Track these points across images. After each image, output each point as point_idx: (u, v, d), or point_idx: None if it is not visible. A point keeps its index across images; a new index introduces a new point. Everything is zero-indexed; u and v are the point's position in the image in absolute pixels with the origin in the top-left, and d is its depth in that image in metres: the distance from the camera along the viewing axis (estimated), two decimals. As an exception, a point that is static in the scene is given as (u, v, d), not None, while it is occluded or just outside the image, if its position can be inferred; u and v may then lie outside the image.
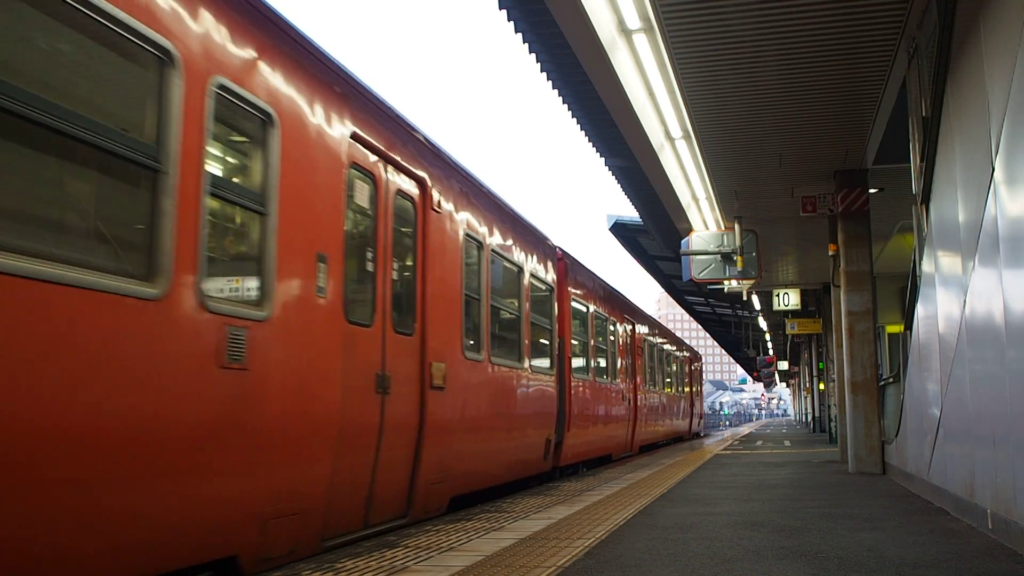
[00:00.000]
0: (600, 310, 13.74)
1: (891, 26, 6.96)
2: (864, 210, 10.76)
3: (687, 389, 26.12)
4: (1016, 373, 4.33)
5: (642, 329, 17.93)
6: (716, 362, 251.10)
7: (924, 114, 6.97)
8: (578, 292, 12.20)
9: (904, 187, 8.98)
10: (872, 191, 10.99)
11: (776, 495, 7.71)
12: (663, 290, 29.79)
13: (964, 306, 5.51)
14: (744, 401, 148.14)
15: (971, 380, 5.45)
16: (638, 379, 16.88)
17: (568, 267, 11.64)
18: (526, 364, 9.19)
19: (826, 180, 11.14)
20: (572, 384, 11.33)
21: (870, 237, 10.83)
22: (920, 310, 7.57)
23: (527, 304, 9.41)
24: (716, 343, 52.33)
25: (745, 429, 43.24)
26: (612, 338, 14.70)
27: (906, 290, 9.28)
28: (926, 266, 7.10)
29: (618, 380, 14.76)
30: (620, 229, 19.32)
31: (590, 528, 5.57)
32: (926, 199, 6.92)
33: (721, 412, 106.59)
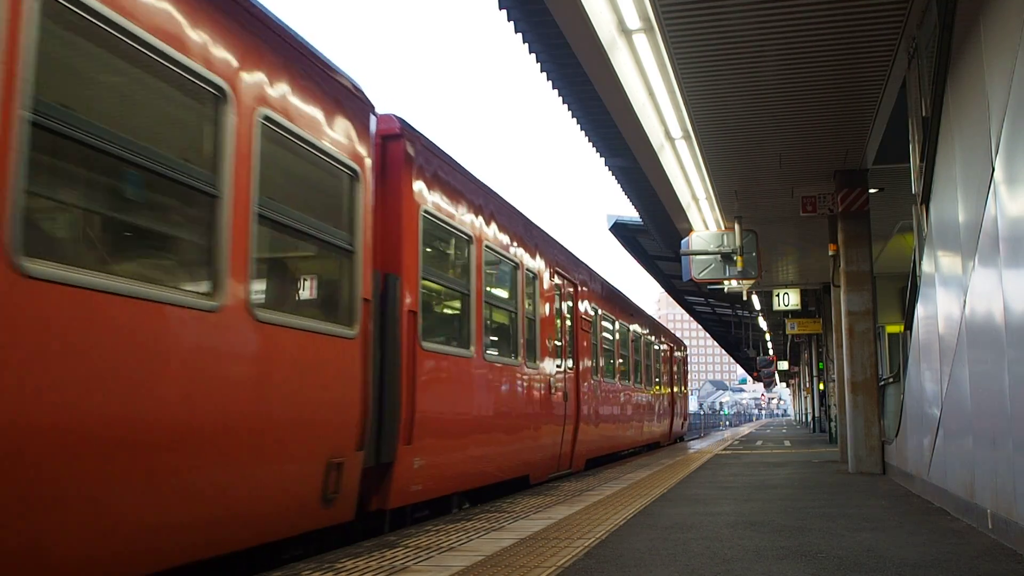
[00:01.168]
0: (502, 250, 8.61)
1: (891, 26, 6.96)
2: (864, 210, 10.76)
3: (666, 383, 21.10)
4: (1016, 373, 4.33)
5: (591, 297, 12.90)
6: (716, 362, 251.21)
7: (924, 114, 6.97)
8: (442, 203, 7.17)
9: (904, 187, 8.99)
10: (872, 191, 10.99)
11: (776, 495, 7.71)
12: (663, 290, 29.80)
13: (964, 306, 5.51)
14: (744, 401, 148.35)
15: (971, 380, 5.45)
16: (583, 365, 11.91)
17: (414, 155, 6.61)
18: (234, 301, 4.32)
19: (826, 180, 11.15)
20: (425, 363, 6.58)
21: (870, 237, 10.83)
22: (920, 310, 7.58)
23: (250, 179, 4.50)
24: (716, 343, 52.35)
25: (745, 429, 43.26)
26: (531, 299, 9.65)
27: (906, 290, 9.28)
28: (926, 266, 7.10)
29: (541, 364, 9.80)
30: (620, 229, 19.32)
31: (590, 528, 5.57)
32: (926, 199, 6.93)
33: (721, 412, 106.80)
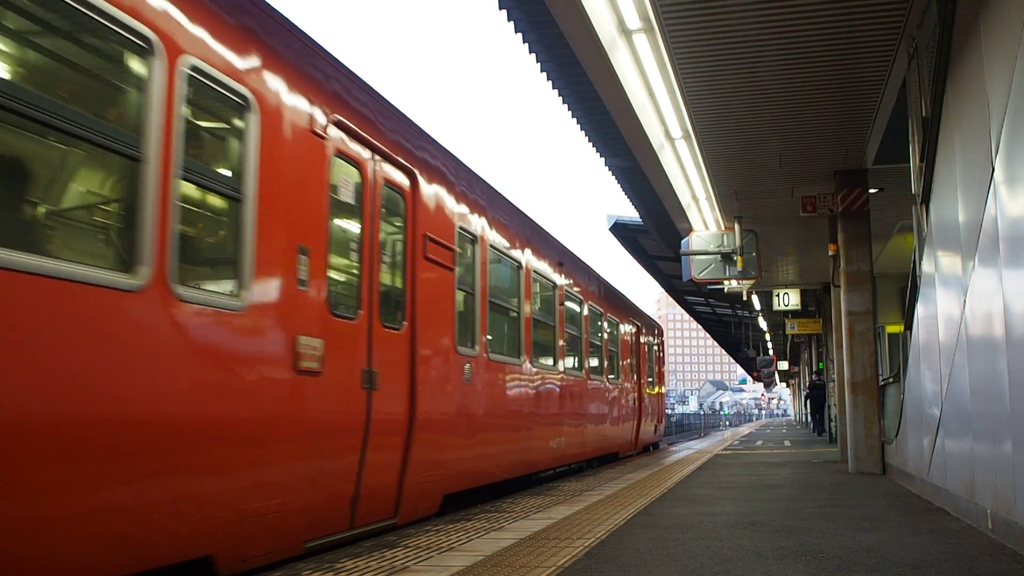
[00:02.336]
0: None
1: (891, 26, 6.96)
2: (864, 210, 10.76)
3: (629, 375, 15.81)
4: (1016, 373, 4.33)
5: (458, 208, 7.47)
6: (716, 362, 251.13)
7: (924, 114, 6.98)
8: None
9: (904, 187, 8.99)
10: (872, 191, 10.99)
11: (776, 495, 7.71)
12: (663, 290, 29.82)
13: (964, 306, 5.51)
14: (744, 401, 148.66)
15: (971, 380, 5.45)
16: (434, 327, 6.82)
17: None
18: None
19: (826, 180, 11.15)
20: None
21: (870, 237, 10.83)
22: (920, 310, 7.57)
23: None
24: (716, 343, 52.37)
25: (745, 429, 43.27)
26: (221, 153, 4.85)
27: (906, 290, 9.29)
28: (926, 266, 7.10)
29: (262, 302, 4.66)
30: (620, 229, 19.33)
31: (590, 528, 5.57)
32: (926, 199, 6.93)
33: (721, 412, 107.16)
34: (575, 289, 11.91)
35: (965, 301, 5.47)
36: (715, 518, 6.02)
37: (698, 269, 12.81)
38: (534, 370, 9.60)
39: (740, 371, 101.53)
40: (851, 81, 8.11)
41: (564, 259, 11.33)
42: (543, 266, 10.24)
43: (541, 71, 9.65)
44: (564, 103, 10.56)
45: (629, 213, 17.38)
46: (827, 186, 11.22)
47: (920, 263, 7.47)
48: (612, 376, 14.35)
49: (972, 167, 5.21)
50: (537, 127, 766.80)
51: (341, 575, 4.09)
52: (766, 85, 8.15)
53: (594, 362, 13.16)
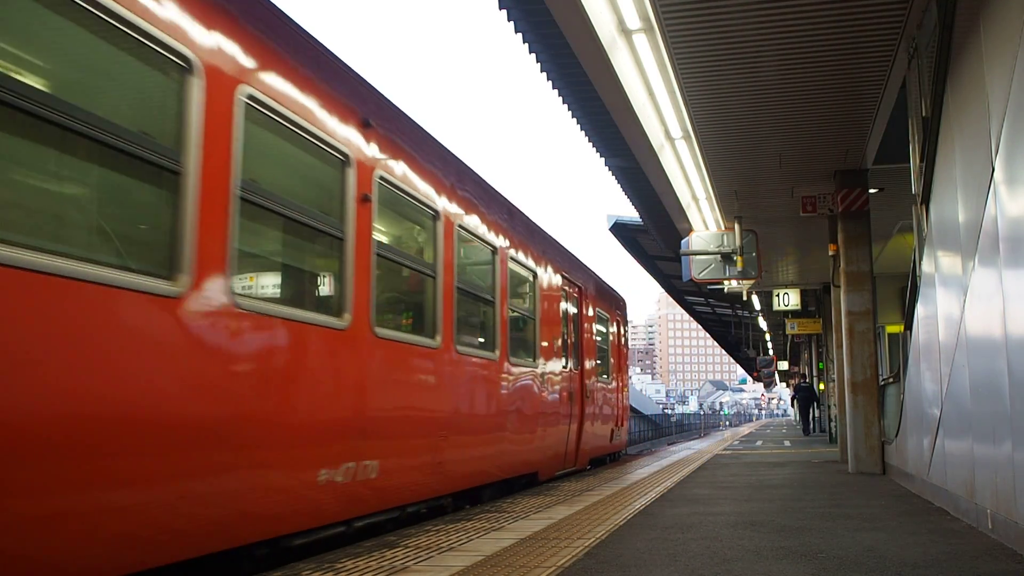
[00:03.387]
0: None
1: (891, 26, 6.96)
2: (864, 210, 10.77)
3: (551, 357, 10.17)
4: (1016, 373, 4.33)
5: None
6: (716, 362, 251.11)
7: (924, 114, 6.98)
8: None
9: (904, 187, 8.99)
10: (872, 191, 10.99)
11: (776, 495, 7.71)
12: (663, 290, 29.84)
13: (964, 306, 5.51)
14: (744, 401, 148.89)
15: (971, 380, 5.45)
16: None
17: None
18: None
19: (826, 180, 11.15)
20: None
21: (870, 237, 10.83)
22: (920, 310, 7.58)
23: None
24: (716, 343, 52.39)
25: (745, 429, 43.27)
26: None
27: (906, 290, 9.29)
28: (926, 266, 7.10)
29: None
30: (620, 229, 19.33)
31: (590, 528, 5.57)
32: (926, 199, 6.93)
33: (721, 412, 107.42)
34: (432, 198, 6.83)
35: (965, 301, 5.47)
36: (715, 518, 6.02)
37: (698, 269, 12.80)
38: (288, 319, 4.80)
39: (740, 371, 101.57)
40: (851, 81, 8.11)
41: (374, 118, 5.89)
42: (328, 122, 5.26)
43: (541, 71, 9.64)
44: (564, 103, 10.56)
45: (629, 213, 17.39)
46: (827, 186, 11.22)
47: (920, 263, 7.47)
48: (522, 355, 9.19)
49: (972, 167, 5.21)
50: (537, 127, 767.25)
51: (341, 575, 4.09)
52: (766, 85, 8.15)
53: (479, 330, 8.19)
